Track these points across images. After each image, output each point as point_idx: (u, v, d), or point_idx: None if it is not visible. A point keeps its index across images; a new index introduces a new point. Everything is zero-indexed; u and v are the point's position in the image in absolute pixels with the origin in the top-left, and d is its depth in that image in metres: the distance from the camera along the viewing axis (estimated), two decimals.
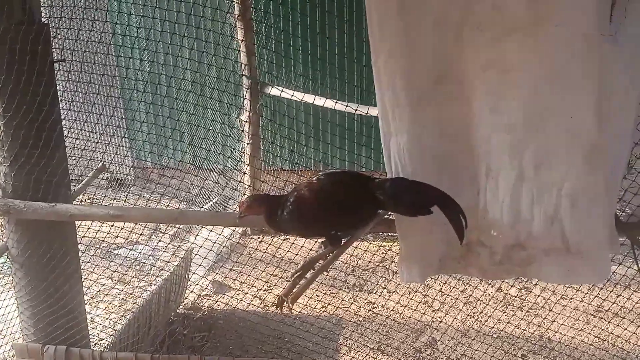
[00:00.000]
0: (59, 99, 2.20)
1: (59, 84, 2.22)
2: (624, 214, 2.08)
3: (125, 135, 5.28)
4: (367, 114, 3.83)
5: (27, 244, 2.15)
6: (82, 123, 3.34)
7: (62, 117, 3.45)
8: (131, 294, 4.23)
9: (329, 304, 4.09)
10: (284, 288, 1.82)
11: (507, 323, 3.61)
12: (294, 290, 1.76)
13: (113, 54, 4.88)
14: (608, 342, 3.58)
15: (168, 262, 4.28)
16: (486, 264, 1.83)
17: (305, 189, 1.84)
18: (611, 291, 3.33)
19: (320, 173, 1.96)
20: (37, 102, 2.00)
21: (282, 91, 4.54)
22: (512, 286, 4.18)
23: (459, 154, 1.82)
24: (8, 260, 2.26)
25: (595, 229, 1.73)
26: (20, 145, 2.04)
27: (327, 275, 4.32)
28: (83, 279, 3.35)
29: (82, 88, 3.20)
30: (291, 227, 1.86)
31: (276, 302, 1.81)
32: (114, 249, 4.79)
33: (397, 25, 1.74)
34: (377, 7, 1.73)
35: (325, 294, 4.15)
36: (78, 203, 3.37)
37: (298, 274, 1.81)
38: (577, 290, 3.79)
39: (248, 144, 4.82)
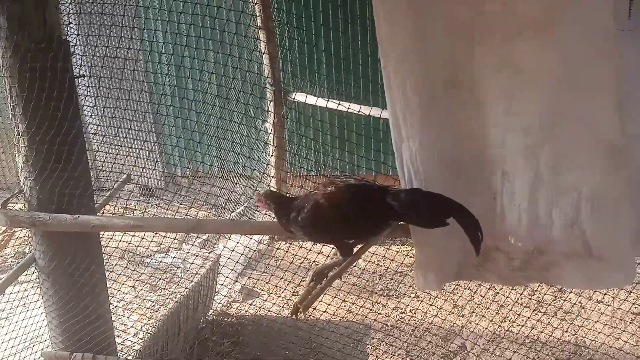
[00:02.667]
0: (86, 112, 2.26)
1: (86, 98, 2.28)
2: None
3: (155, 144, 5.39)
4: (380, 117, 3.80)
5: (53, 255, 2.22)
6: (112, 136, 3.43)
7: (93, 130, 3.55)
8: (162, 302, 4.31)
9: (359, 308, 4.06)
10: (298, 294, 1.83)
11: (541, 328, 3.51)
12: (308, 298, 1.75)
13: (141, 59, 5.00)
14: None
15: (198, 268, 4.34)
16: (504, 271, 1.78)
17: (323, 198, 1.82)
18: None
19: (339, 180, 1.93)
20: (58, 117, 2.07)
21: (306, 97, 4.57)
22: (546, 294, 4.06)
23: (473, 158, 1.78)
24: (37, 271, 2.34)
25: (617, 231, 1.66)
26: (44, 159, 2.11)
27: (357, 280, 4.30)
28: (117, 288, 3.45)
29: (112, 100, 3.28)
30: (302, 232, 1.86)
31: (291, 309, 1.81)
32: (146, 257, 4.91)
33: (406, 29, 1.71)
34: (385, 12, 1.71)
35: (355, 298, 4.12)
36: (106, 213, 3.48)
37: (312, 282, 1.80)
38: (615, 296, 3.65)
39: (274, 149, 4.86)
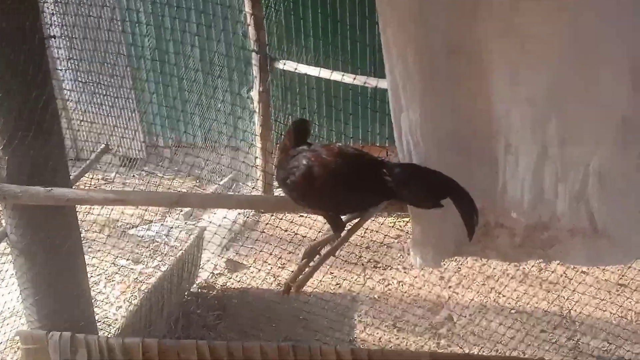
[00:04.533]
0: (60, 77, 2.11)
1: (58, 61, 2.13)
2: None
3: (135, 112, 5.19)
4: (376, 87, 3.69)
5: (26, 230, 2.09)
6: (87, 102, 3.25)
7: (67, 96, 3.37)
8: (146, 274, 4.22)
9: (344, 281, 4.02)
10: (292, 271, 1.75)
11: (526, 300, 3.52)
12: (300, 277, 1.67)
13: (118, 28, 4.75)
14: (629, 317, 3.47)
15: (183, 241, 4.25)
16: (506, 247, 1.71)
17: (317, 162, 1.69)
18: (631, 265, 3.20)
19: (336, 148, 1.77)
20: (27, 82, 1.91)
21: (296, 66, 4.42)
22: (532, 266, 4.06)
23: (475, 130, 1.68)
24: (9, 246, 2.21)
25: (626, 208, 1.59)
26: (13, 128, 1.97)
27: (342, 251, 4.25)
28: (95, 259, 3.35)
29: (85, 63, 3.09)
30: (290, 196, 1.75)
31: (283, 288, 1.73)
32: (129, 229, 4.79)
33: None
34: None
35: (340, 270, 4.08)
36: (86, 185, 3.34)
37: (304, 260, 1.71)
38: (603, 269, 3.66)
39: (260, 118, 4.71)
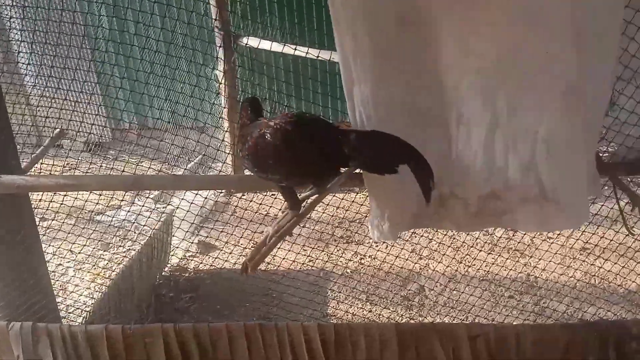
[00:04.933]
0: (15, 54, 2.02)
1: (13, 43, 2.02)
2: (606, 153, 1.97)
3: (94, 94, 5.04)
4: (318, 57, 3.65)
5: None
6: (43, 85, 3.13)
7: (23, 81, 3.24)
8: (117, 260, 4.17)
9: (317, 258, 4.04)
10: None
11: (494, 265, 3.59)
12: (257, 256, 1.66)
13: (73, 7, 4.58)
14: (594, 280, 3.57)
15: (152, 225, 4.20)
16: (460, 217, 1.73)
17: (269, 127, 1.66)
18: (596, 231, 3.27)
19: (292, 114, 1.74)
20: None
21: (259, 42, 4.33)
22: (500, 237, 4.14)
23: (427, 101, 1.68)
24: None
25: (573, 174, 1.62)
26: None
27: (314, 228, 4.26)
28: (61, 247, 3.28)
29: (39, 42, 2.97)
30: (246, 165, 1.73)
31: (242, 266, 1.72)
32: (96, 215, 4.70)
33: None
34: None
35: (312, 247, 4.09)
36: (44, 172, 3.24)
37: (263, 238, 1.70)
38: (568, 236, 3.74)
39: (225, 99, 4.64)
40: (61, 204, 3.12)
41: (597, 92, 1.63)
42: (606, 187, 2.03)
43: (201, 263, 4.17)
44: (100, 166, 4.16)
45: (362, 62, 1.66)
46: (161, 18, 4.39)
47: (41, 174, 2.59)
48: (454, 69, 1.62)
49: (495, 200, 1.68)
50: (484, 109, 1.61)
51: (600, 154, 1.80)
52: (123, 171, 4.28)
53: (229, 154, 4.67)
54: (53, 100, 3.34)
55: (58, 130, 2.48)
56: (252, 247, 4.22)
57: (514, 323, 3.26)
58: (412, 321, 3.48)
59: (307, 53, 3.99)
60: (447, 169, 1.70)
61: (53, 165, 3.56)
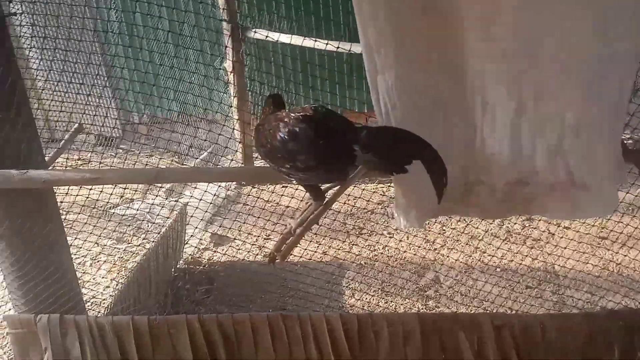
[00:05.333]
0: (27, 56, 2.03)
1: (24, 40, 2.04)
2: (630, 140, 1.96)
3: (106, 88, 5.05)
4: (350, 51, 3.65)
5: (4, 214, 2.04)
6: (56, 80, 3.14)
7: (35, 76, 3.25)
8: (131, 253, 4.20)
9: (329, 248, 4.05)
10: (276, 241, 1.75)
11: (511, 257, 3.58)
12: (284, 246, 1.67)
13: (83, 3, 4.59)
14: (613, 270, 3.56)
15: (164, 218, 4.22)
16: (487, 204, 1.73)
17: (279, 121, 1.64)
18: (612, 218, 3.26)
19: (309, 109, 1.70)
20: None
21: (267, 34, 4.32)
22: (515, 223, 4.12)
23: (452, 89, 1.67)
24: None
25: (601, 159, 1.61)
26: None
27: (325, 219, 4.27)
28: (80, 240, 3.31)
29: (50, 39, 2.97)
30: (260, 155, 1.72)
31: (268, 258, 1.73)
32: (110, 209, 4.73)
33: None
34: None
35: (325, 238, 4.10)
36: (62, 167, 3.27)
37: (288, 229, 1.71)
38: (583, 222, 3.73)
39: (235, 90, 4.63)
40: (76, 196, 3.15)
41: (622, 77, 1.61)
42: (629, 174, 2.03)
43: (215, 254, 4.19)
44: (115, 160, 4.19)
45: (385, 51, 1.65)
46: (169, 10, 4.39)
47: (67, 168, 2.60)
48: (478, 55, 1.61)
49: (523, 187, 1.67)
50: (510, 95, 1.60)
51: (625, 141, 1.79)
52: (136, 164, 4.31)
53: (239, 144, 4.68)
54: (65, 95, 3.36)
55: (77, 124, 2.49)
56: (264, 238, 4.27)
57: (533, 313, 3.26)
58: (428, 312, 3.49)
59: (315, 42, 4.00)
60: (473, 155, 1.70)
61: (68, 159, 3.59)
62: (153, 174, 1.85)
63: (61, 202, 2.45)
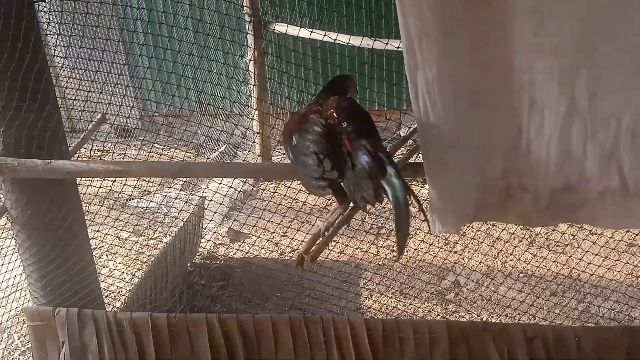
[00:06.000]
0: (53, 45, 1.99)
1: (51, 29, 2.00)
2: None
3: (130, 81, 5.04)
4: (372, 48, 3.58)
5: (27, 204, 2.00)
6: (82, 71, 3.11)
7: (60, 64, 3.22)
8: (147, 246, 4.17)
9: (346, 246, 3.98)
10: (303, 242, 1.68)
11: (535, 263, 3.47)
12: (313, 248, 1.60)
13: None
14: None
15: (181, 211, 4.18)
16: (529, 210, 1.64)
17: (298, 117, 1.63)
18: None
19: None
20: (18, 48, 1.79)
21: (287, 27, 4.26)
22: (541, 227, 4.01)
23: (497, 85, 1.58)
24: (9, 221, 2.12)
25: None
26: (7, 97, 1.85)
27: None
28: (97, 232, 3.29)
29: (77, 32, 2.95)
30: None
31: (296, 259, 1.66)
32: (127, 200, 4.71)
33: None
34: None
35: (342, 236, 4.03)
36: (81, 157, 3.23)
37: (317, 230, 1.64)
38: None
39: (254, 85, 4.58)
40: (99, 187, 3.12)
41: None
42: None
43: (231, 250, 4.14)
44: (134, 152, 4.15)
45: (427, 44, 1.56)
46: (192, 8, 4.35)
47: (91, 159, 2.55)
48: (528, 49, 1.52)
49: (570, 193, 1.58)
50: (561, 93, 1.51)
51: None
52: (156, 157, 4.27)
53: (258, 137, 4.63)
54: (89, 85, 3.33)
55: (100, 115, 2.44)
56: (281, 234, 4.21)
57: (558, 322, 3.17)
58: (449, 317, 3.41)
59: (335, 38, 3.92)
60: (516, 158, 1.61)
61: (89, 149, 3.56)
62: (178, 167, 1.80)
63: (82, 193, 2.40)
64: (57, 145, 1.98)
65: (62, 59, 3.12)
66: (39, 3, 1.94)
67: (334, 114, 1.60)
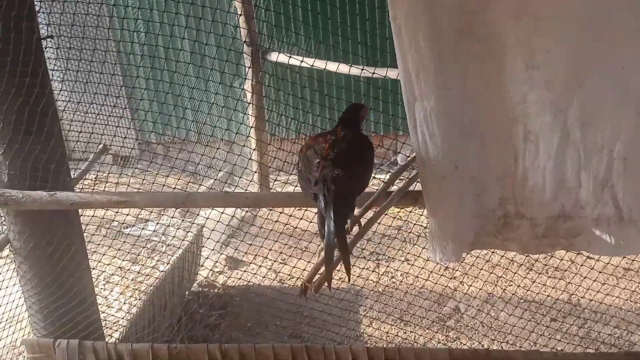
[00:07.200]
0: (50, 77, 2.03)
1: (49, 62, 2.05)
2: None
3: (126, 109, 5.09)
4: (373, 74, 3.65)
5: (29, 236, 2.02)
6: (77, 102, 3.16)
7: (56, 96, 3.27)
8: (145, 274, 4.15)
9: (352, 272, 3.97)
10: (305, 270, 1.69)
11: (535, 289, 3.48)
12: (317, 277, 1.62)
13: (107, 26, 4.66)
14: (637, 302, 3.45)
15: (181, 239, 4.18)
16: (527, 238, 1.67)
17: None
18: None
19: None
20: (25, 83, 1.83)
21: (289, 58, 4.34)
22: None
23: (492, 116, 1.63)
24: (12, 253, 2.13)
25: None
26: (13, 130, 1.89)
27: None
28: (95, 262, 3.28)
29: (74, 63, 3.00)
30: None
31: (300, 289, 1.67)
32: (125, 229, 4.70)
33: None
34: None
35: (341, 263, 4.02)
36: (80, 186, 3.25)
37: (320, 258, 1.66)
38: None
39: (253, 114, 4.64)
40: (92, 215, 3.13)
41: None
42: None
43: (230, 278, 4.13)
44: (131, 180, 4.16)
45: (424, 77, 1.62)
46: (191, 32, 4.43)
47: (94, 191, 2.57)
48: (521, 82, 1.57)
49: (565, 221, 1.62)
50: (554, 124, 1.56)
51: None
52: (152, 184, 4.30)
53: (252, 162, 4.67)
54: (86, 115, 3.37)
55: (102, 145, 2.48)
56: (280, 262, 4.21)
57: (560, 348, 3.16)
58: (450, 344, 3.39)
59: (337, 67, 4.01)
60: (512, 187, 1.65)
61: (85, 179, 3.57)
62: (182, 198, 1.82)
63: (85, 224, 2.42)
64: (61, 176, 2.01)
65: (59, 91, 3.18)
66: (47, 40, 1.98)
67: (329, 146, 1.73)
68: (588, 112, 1.52)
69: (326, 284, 1.62)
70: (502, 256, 3.88)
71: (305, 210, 3.75)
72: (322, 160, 1.66)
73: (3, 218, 2.10)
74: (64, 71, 2.96)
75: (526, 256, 3.93)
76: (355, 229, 1.74)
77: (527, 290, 3.52)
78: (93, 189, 4.50)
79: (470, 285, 3.77)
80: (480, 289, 3.68)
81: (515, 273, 3.55)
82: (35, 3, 1.94)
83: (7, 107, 1.85)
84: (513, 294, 3.66)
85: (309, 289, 1.63)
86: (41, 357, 2.01)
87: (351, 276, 1.83)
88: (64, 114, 3.90)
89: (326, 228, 1.54)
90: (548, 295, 3.54)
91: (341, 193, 1.59)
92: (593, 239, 1.62)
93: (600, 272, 3.24)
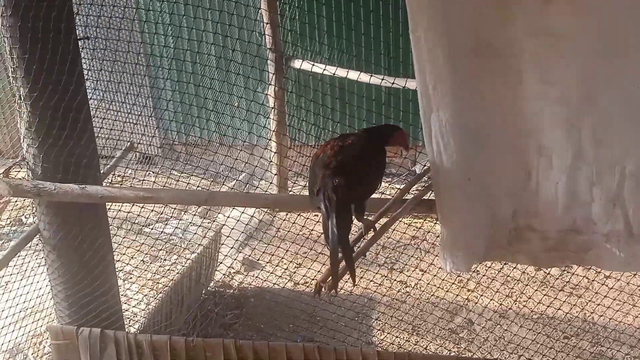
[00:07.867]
0: (85, 77, 2.14)
1: (84, 62, 2.16)
2: None
3: (152, 113, 5.25)
4: (393, 84, 3.70)
5: (59, 227, 2.12)
6: (109, 101, 3.28)
7: (89, 95, 3.41)
8: (163, 272, 4.25)
9: (360, 278, 4.00)
10: (320, 272, 1.75)
11: (548, 303, 3.47)
12: (329, 279, 1.67)
13: (137, 29, 4.81)
14: None
15: (200, 239, 4.27)
16: (538, 251, 1.71)
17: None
18: None
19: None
20: (62, 81, 1.94)
21: (312, 66, 4.42)
22: (552, 268, 4.01)
23: (506, 130, 1.67)
24: (41, 242, 2.24)
25: None
26: (48, 126, 2.00)
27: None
28: (118, 255, 3.39)
29: (107, 65, 3.13)
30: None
31: (314, 289, 1.73)
32: (146, 227, 4.82)
33: None
34: None
35: (356, 270, 4.04)
36: (107, 182, 3.37)
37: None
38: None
39: (274, 119, 4.72)
40: (118, 210, 3.22)
41: None
42: None
43: (246, 279, 4.20)
44: (153, 179, 4.28)
45: (441, 89, 1.67)
46: (217, 48, 4.54)
47: (122, 186, 2.67)
48: (536, 98, 1.62)
49: (576, 235, 1.65)
50: (568, 139, 1.59)
51: None
52: (176, 184, 4.41)
53: (276, 169, 4.75)
54: (117, 114, 3.50)
55: (129, 143, 2.58)
56: (296, 265, 4.27)
57: None
58: (462, 355, 3.40)
59: (358, 76, 4.07)
60: (524, 200, 1.69)
61: (112, 175, 3.69)
62: (204, 196, 1.90)
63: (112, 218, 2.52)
64: (91, 171, 2.11)
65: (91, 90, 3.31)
66: (83, 40, 2.09)
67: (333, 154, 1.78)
68: (601, 130, 1.56)
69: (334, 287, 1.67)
70: (514, 267, 3.89)
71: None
72: (323, 170, 1.70)
73: (32, 208, 2.21)
74: (98, 71, 3.08)
75: (539, 269, 3.92)
76: (371, 233, 1.80)
77: (540, 304, 3.52)
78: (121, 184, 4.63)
79: (482, 296, 3.78)
80: (491, 300, 3.69)
81: (526, 286, 3.55)
82: (79, 4, 2.05)
83: (44, 103, 1.96)
84: (524, 307, 3.66)
85: (323, 289, 1.69)
86: (64, 344, 2.10)
87: (360, 281, 1.88)
88: (96, 112, 4.05)
89: (330, 235, 1.59)
90: (561, 310, 3.53)
91: (342, 201, 1.63)
92: (603, 254, 1.64)
93: (619, 292, 3.23)
